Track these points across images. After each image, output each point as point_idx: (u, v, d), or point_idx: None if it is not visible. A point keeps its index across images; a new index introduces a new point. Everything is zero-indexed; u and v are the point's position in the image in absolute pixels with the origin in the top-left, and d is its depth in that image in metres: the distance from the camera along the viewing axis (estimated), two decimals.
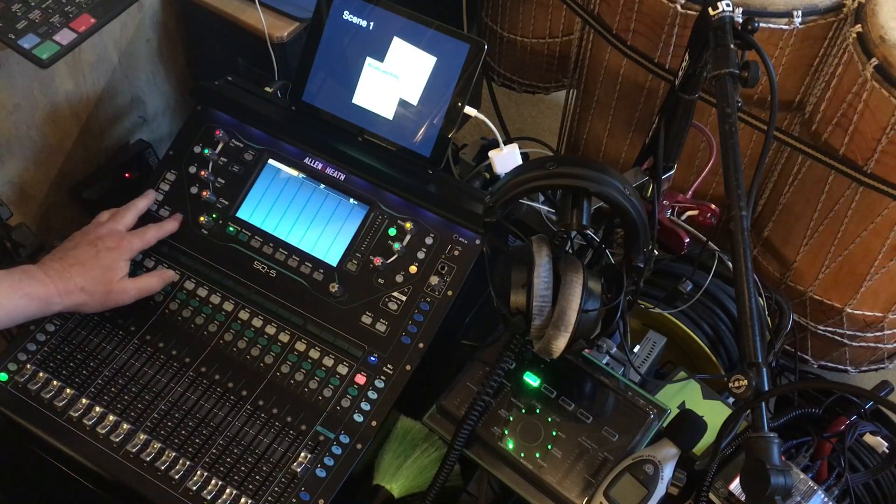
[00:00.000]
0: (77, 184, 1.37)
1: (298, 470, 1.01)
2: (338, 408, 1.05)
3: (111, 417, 1.05)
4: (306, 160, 1.17)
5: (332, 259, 1.13)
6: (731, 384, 0.77)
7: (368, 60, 1.15)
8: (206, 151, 1.19)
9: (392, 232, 1.12)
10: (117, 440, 1.04)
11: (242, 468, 1.02)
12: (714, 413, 1.06)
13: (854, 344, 1.38)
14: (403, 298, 1.09)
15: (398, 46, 1.13)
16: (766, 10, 1.15)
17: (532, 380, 1.03)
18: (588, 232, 1.06)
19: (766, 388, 0.76)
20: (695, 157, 1.37)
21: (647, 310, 1.22)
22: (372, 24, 1.14)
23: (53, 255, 1.06)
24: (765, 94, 1.25)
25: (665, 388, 1.10)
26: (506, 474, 1.00)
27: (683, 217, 1.22)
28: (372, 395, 1.05)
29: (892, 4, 1.10)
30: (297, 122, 1.20)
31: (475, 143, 1.37)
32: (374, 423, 1.03)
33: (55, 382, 1.07)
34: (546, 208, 1.28)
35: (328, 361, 1.07)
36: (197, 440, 1.04)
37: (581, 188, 0.88)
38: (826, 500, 1.01)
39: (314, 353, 1.08)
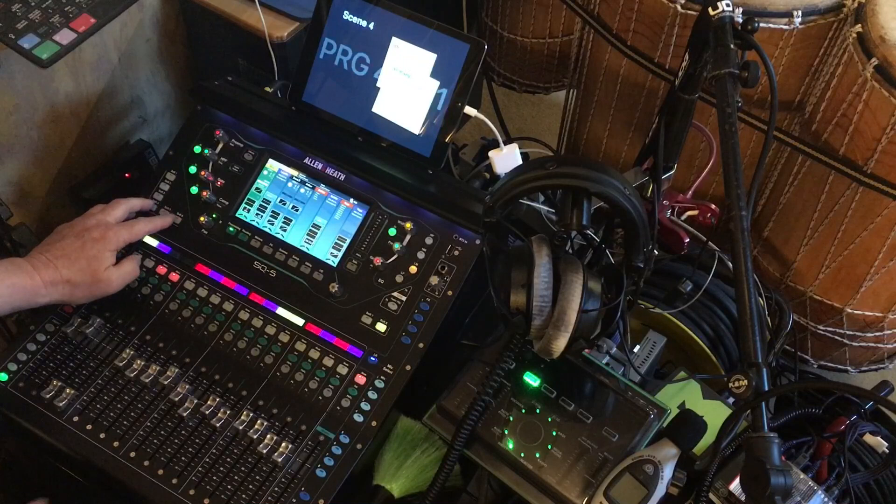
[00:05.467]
0: (77, 184, 1.37)
1: (298, 470, 1.01)
2: (338, 408, 1.05)
3: (111, 417, 1.05)
4: (306, 160, 1.17)
5: (333, 259, 1.13)
6: (731, 384, 0.77)
7: (368, 60, 1.15)
8: (206, 151, 1.19)
9: (392, 232, 1.12)
10: (118, 440, 1.04)
11: (243, 468, 1.02)
12: (714, 413, 1.06)
13: (854, 344, 1.38)
14: (403, 298, 1.09)
15: (398, 47, 1.13)
16: (766, 10, 1.15)
17: (532, 380, 1.03)
18: (588, 232, 1.06)
19: (766, 388, 0.76)
20: (695, 157, 1.37)
21: (647, 310, 1.22)
22: (372, 24, 1.14)
23: (41, 248, 1.06)
24: (765, 94, 1.25)
25: (665, 388, 1.10)
26: (506, 474, 1.00)
27: (683, 217, 1.22)
28: (372, 395, 1.05)
29: (892, 4, 1.10)
30: (297, 122, 1.20)
31: (475, 143, 1.37)
32: (374, 423, 1.04)
33: (55, 382, 1.07)
34: (546, 208, 1.28)
35: (328, 361, 1.08)
36: (197, 440, 1.04)
37: (581, 188, 0.88)
38: (826, 500, 1.01)
39: (314, 353, 1.08)
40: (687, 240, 1.17)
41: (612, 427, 0.99)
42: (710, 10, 0.93)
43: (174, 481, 1.01)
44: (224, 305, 1.12)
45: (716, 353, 1.25)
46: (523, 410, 1.02)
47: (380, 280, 1.10)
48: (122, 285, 1.09)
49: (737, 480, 0.99)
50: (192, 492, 1.00)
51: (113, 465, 1.02)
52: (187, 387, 1.07)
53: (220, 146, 1.20)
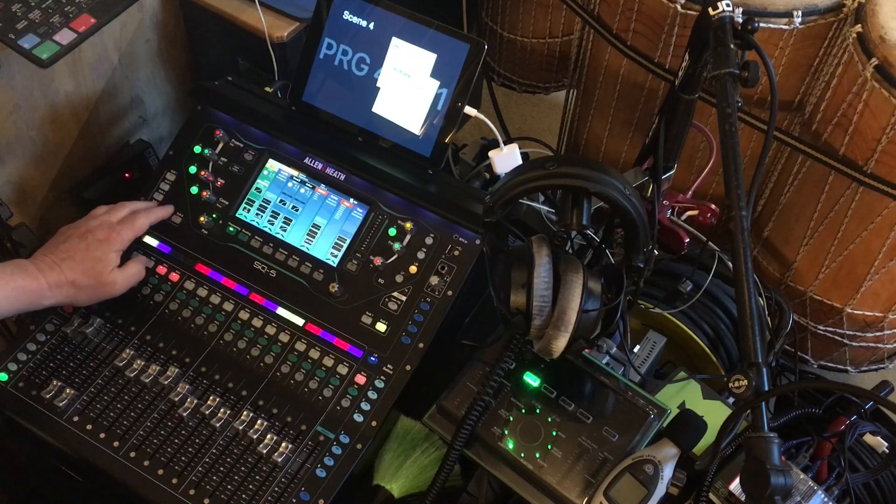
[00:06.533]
0: (77, 184, 1.37)
1: (298, 470, 1.01)
2: (338, 408, 1.05)
3: (111, 417, 1.05)
4: (306, 160, 1.17)
5: (333, 259, 1.13)
6: (731, 384, 0.77)
7: (368, 60, 1.15)
8: (206, 151, 1.19)
9: (392, 232, 1.12)
10: (118, 440, 1.04)
11: (242, 468, 1.02)
12: (714, 413, 1.06)
13: (854, 344, 1.38)
14: (403, 298, 1.09)
15: (398, 46, 1.13)
16: (766, 10, 1.15)
17: (532, 380, 1.03)
18: (588, 232, 1.06)
19: (766, 388, 0.76)
20: (695, 157, 1.37)
21: (647, 310, 1.22)
22: (372, 24, 1.14)
23: (45, 250, 1.06)
24: (765, 94, 1.25)
25: (665, 388, 1.10)
26: (506, 474, 1.00)
27: (683, 217, 1.22)
28: (372, 395, 1.05)
29: (892, 4, 1.10)
30: (297, 122, 1.20)
31: (475, 143, 1.37)
32: (374, 423, 1.04)
33: (55, 382, 1.07)
34: (546, 208, 1.28)
35: (328, 361, 1.08)
36: (197, 440, 1.04)
37: (581, 188, 0.88)
38: (826, 500, 1.01)
39: (314, 353, 1.08)
40: (687, 240, 1.17)
41: (612, 427, 0.99)
42: (710, 10, 0.93)
43: (174, 481, 1.01)
44: (224, 305, 1.12)
45: (716, 353, 1.25)
46: (523, 410, 1.02)
47: (380, 280, 1.10)
48: (128, 287, 1.09)
49: (737, 480, 0.99)
50: (192, 492, 1.00)
51: (113, 465, 1.02)
52: (187, 387, 1.07)
53: (220, 146, 1.20)
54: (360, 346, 1.08)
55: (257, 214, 1.17)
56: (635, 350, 1.16)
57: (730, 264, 1.21)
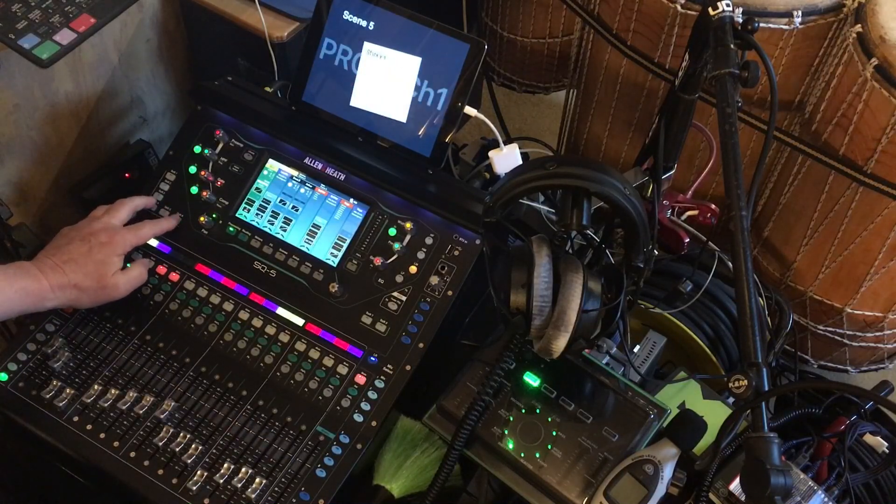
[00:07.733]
0: (77, 184, 1.37)
1: (298, 470, 1.01)
2: (338, 408, 1.05)
3: (111, 417, 1.05)
4: (306, 160, 1.17)
5: (333, 259, 1.13)
6: (731, 384, 0.77)
7: (368, 60, 1.15)
8: (206, 151, 1.19)
9: (392, 232, 1.12)
10: (118, 440, 1.04)
11: (242, 469, 1.02)
12: (714, 413, 1.06)
13: (854, 344, 1.38)
14: (403, 298, 1.09)
15: (398, 46, 1.13)
16: (766, 10, 1.15)
17: (532, 380, 1.03)
18: (588, 232, 1.06)
19: (766, 388, 0.76)
20: (695, 157, 1.37)
21: (647, 310, 1.22)
22: (372, 24, 1.14)
23: (47, 252, 1.06)
24: (765, 94, 1.25)
25: (665, 388, 1.10)
26: (506, 474, 1.00)
27: (683, 217, 1.22)
28: (372, 395, 1.05)
29: (892, 4, 1.10)
30: (297, 122, 1.20)
31: (475, 143, 1.37)
32: (374, 423, 1.04)
33: (55, 382, 1.07)
34: (546, 208, 1.28)
35: (328, 361, 1.08)
36: (197, 440, 1.04)
37: (581, 188, 0.88)
38: (826, 500, 1.01)
39: (314, 353, 1.08)
40: (687, 240, 1.17)
41: (612, 427, 0.99)
42: (710, 10, 0.93)
43: (174, 481, 1.01)
44: (224, 305, 1.12)
45: (716, 353, 1.25)
46: (523, 410, 1.02)
47: (380, 280, 1.10)
48: (130, 291, 1.09)
49: (737, 480, 0.99)
50: (192, 492, 1.00)
51: (113, 465, 1.02)
52: (187, 387, 1.07)
53: (220, 146, 1.20)
54: (360, 346, 1.08)
55: (257, 214, 1.17)
56: (635, 350, 1.16)
57: (730, 264, 1.21)
